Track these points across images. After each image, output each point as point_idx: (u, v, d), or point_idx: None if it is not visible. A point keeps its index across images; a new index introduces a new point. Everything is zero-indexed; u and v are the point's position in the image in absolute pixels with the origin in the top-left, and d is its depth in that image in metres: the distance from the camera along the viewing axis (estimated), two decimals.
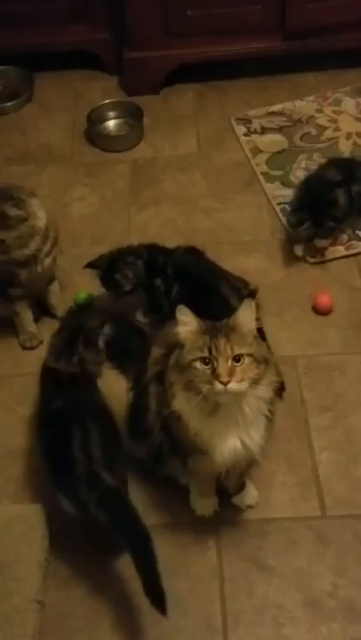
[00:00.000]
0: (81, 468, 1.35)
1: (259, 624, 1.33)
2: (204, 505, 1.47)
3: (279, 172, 2.15)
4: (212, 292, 1.67)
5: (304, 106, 2.35)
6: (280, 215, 2.03)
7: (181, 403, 1.24)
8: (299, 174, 2.13)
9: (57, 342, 1.58)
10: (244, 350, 1.18)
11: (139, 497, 1.50)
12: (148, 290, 1.75)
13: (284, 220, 2.02)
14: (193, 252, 1.76)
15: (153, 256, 1.75)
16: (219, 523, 1.46)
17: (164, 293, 1.72)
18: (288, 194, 2.08)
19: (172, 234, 1.97)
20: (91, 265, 1.78)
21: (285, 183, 2.12)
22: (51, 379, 1.53)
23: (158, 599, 1.25)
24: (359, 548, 1.41)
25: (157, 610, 1.24)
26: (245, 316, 1.21)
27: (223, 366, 1.16)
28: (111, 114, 2.41)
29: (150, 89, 2.45)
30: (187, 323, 1.22)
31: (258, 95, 2.41)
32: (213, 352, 1.17)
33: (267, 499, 1.49)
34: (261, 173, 2.16)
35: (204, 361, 1.18)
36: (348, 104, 2.34)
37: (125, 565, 1.41)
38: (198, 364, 1.18)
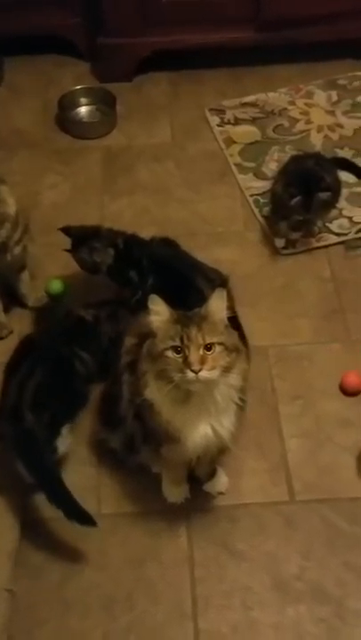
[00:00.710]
0: (8, 401, 1.46)
1: (228, 608, 1.36)
2: (176, 492, 1.49)
3: (252, 164, 2.17)
4: (188, 284, 1.68)
5: (277, 97, 2.36)
6: (253, 206, 2.05)
7: (153, 391, 1.25)
8: (272, 166, 2.15)
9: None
10: (215, 339, 1.19)
11: (111, 486, 1.52)
12: (121, 282, 1.75)
13: (256, 211, 2.04)
14: (168, 244, 1.76)
15: (129, 247, 1.75)
16: (190, 510, 1.48)
17: (138, 285, 1.73)
18: (261, 185, 2.10)
19: (147, 223, 1.97)
20: (65, 230, 1.76)
21: (258, 175, 2.13)
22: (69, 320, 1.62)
23: (82, 516, 1.37)
24: (326, 531, 1.44)
25: (89, 524, 1.36)
26: (217, 305, 1.22)
27: (195, 355, 1.18)
28: (83, 100, 2.39)
29: (123, 76, 2.44)
30: (159, 312, 1.23)
31: (232, 86, 2.42)
32: (185, 341, 1.19)
33: (237, 485, 1.52)
34: (235, 164, 2.17)
35: (176, 350, 1.19)
36: (320, 97, 2.36)
37: (97, 554, 1.43)
38: (170, 353, 1.20)
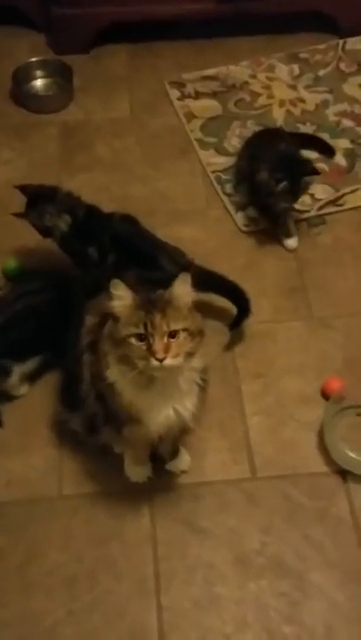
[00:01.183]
0: None
1: (191, 584, 1.38)
2: (138, 472, 1.49)
3: (213, 139, 2.14)
4: (151, 263, 1.66)
5: (238, 71, 2.33)
6: (215, 183, 2.03)
7: (115, 374, 1.24)
8: (233, 142, 2.13)
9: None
10: (179, 325, 1.18)
11: (73, 467, 1.52)
12: (78, 257, 1.73)
13: (218, 188, 2.02)
14: (130, 220, 1.74)
15: (89, 220, 1.71)
16: (153, 489, 1.49)
17: (98, 262, 1.70)
18: (222, 161, 2.08)
19: (106, 201, 1.92)
20: (21, 188, 1.72)
21: (220, 151, 2.11)
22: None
23: None
24: (286, 506, 1.47)
25: None
26: (181, 290, 1.20)
27: (159, 343, 1.16)
28: (38, 73, 2.33)
29: (80, 48, 2.37)
30: (121, 297, 1.21)
31: (192, 59, 2.38)
32: (149, 329, 1.17)
33: (200, 464, 1.53)
34: (196, 140, 2.14)
35: (140, 337, 1.18)
36: (282, 70, 2.34)
37: (59, 535, 1.43)
38: (133, 340, 1.18)
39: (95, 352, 1.32)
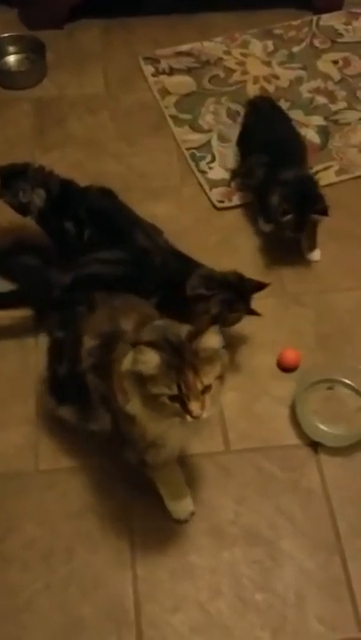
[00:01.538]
0: None
1: (166, 554, 1.40)
2: (181, 507, 1.43)
3: (188, 116, 2.14)
4: (127, 239, 1.67)
5: (212, 47, 2.32)
6: (189, 160, 2.03)
7: (137, 408, 1.18)
8: (208, 119, 2.13)
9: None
10: (212, 378, 1.14)
11: (49, 442, 1.53)
12: (55, 234, 1.72)
13: (193, 165, 2.02)
14: (107, 194, 1.73)
15: (65, 194, 1.70)
16: (127, 463, 1.49)
17: (75, 237, 1.70)
18: (197, 138, 2.08)
19: (80, 178, 1.91)
20: None
21: (194, 127, 2.11)
22: None
23: None
24: (259, 478, 1.50)
25: None
26: (212, 342, 1.15)
27: (195, 404, 1.13)
28: (11, 48, 2.30)
29: (53, 23, 2.34)
30: (148, 361, 1.13)
31: (166, 34, 2.36)
32: (183, 390, 1.12)
33: None
34: (170, 116, 2.14)
35: (173, 398, 1.14)
36: (256, 47, 2.33)
37: (35, 509, 1.45)
38: (166, 399, 1.13)
39: (102, 377, 1.29)
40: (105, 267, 1.60)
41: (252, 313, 1.61)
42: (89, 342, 1.34)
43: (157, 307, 1.49)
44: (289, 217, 1.73)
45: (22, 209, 1.70)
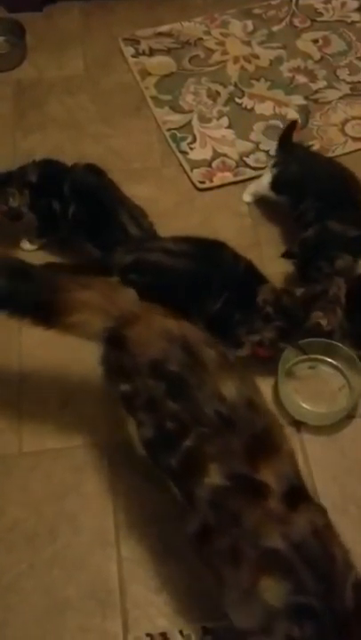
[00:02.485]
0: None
1: (150, 534, 1.41)
2: None
3: (168, 97, 2.12)
4: (111, 217, 1.66)
5: (192, 27, 2.30)
6: (170, 141, 2.02)
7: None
8: (188, 99, 2.11)
9: None
10: None
11: (32, 425, 1.53)
12: (42, 212, 1.71)
13: (174, 146, 2.01)
14: (94, 171, 1.72)
15: (45, 177, 1.69)
16: (112, 442, 1.50)
17: (60, 214, 1.69)
18: (177, 119, 2.06)
19: (61, 160, 1.91)
20: None
21: (175, 108, 2.09)
22: None
23: None
24: None
25: None
26: None
27: None
28: None
29: (32, 5, 2.31)
30: None
31: (146, 15, 2.34)
32: None
33: None
34: (151, 97, 2.12)
35: None
36: (236, 27, 2.31)
37: (19, 491, 1.45)
38: None
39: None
40: (168, 257, 1.58)
41: (299, 348, 1.57)
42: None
43: (221, 309, 1.51)
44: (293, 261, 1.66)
45: (14, 214, 1.70)
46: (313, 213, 1.68)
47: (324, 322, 1.54)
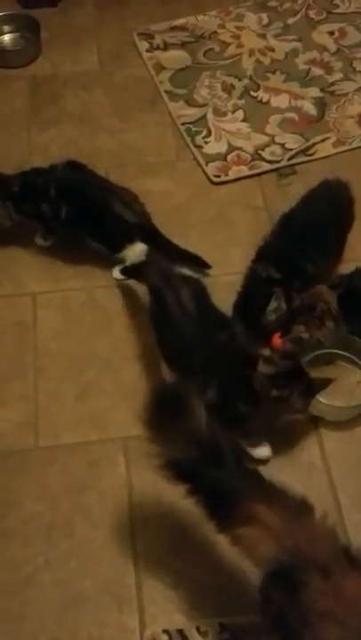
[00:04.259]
0: None
1: (165, 529, 1.40)
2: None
3: (183, 91, 2.11)
4: (104, 209, 1.65)
5: (207, 21, 2.29)
6: (185, 135, 2.01)
7: None
8: (203, 93, 2.10)
9: None
10: None
11: (48, 419, 1.53)
12: (35, 217, 1.72)
13: (188, 140, 2.00)
14: (75, 167, 1.72)
15: (28, 183, 1.70)
16: (128, 437, 1.50)
17: (52, 217, 1.69)
18: (192, 113, 2.05)
19: (75, 155, 1.90)
20: None
21: (189, 102, 2.08)
22: None
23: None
24: None
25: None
26: None
27: None
28: (6, 27, 2.28)
29: (47, 1, 2.32)
30: None
31: (160, 9, 2.33)
32: None
33: None
34: (165, 91, 2.11)
35: None
36: (251, 19, 2.29)
37: (35, 485, 1.45)
38: None
39: None
40: None
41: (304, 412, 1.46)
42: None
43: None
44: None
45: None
46: None
47: (305, 336, 1.52)
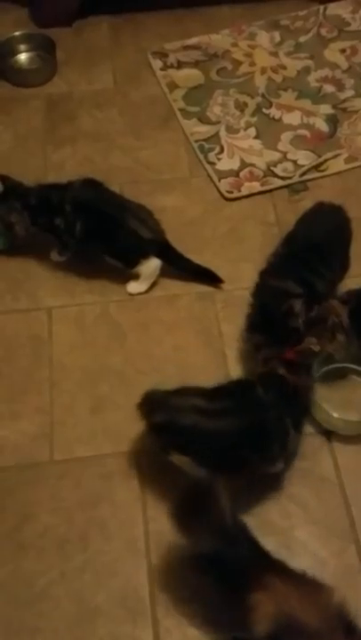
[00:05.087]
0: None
1: (180, 543, 1.39)
2: None
3: (196, 108, 2.14)
4: (119, 225, 1.68)
5: (219, 39, 2.32)
6: (198, 152, 2.04)
7: None
8: (216, 110, 2.13)
9: None
10: None
11: (63, 432, 1.55)
12: (50, 231, 1.74)
13: (201, 157, 2.03)
14: (91, 185, 1.74)
15: (45, 197, 1.73)
16: (142, 451, 1.51)
17: (66, 232, 1.72)
18: (205, 130, 2.08)
19: (90, 172, 1.93)
20: (3, 178, 1.74)
21: (203, 119, 2.11)
22: None
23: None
24: None
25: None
26: None
27: None
28: (22, 47, 2.32)
29: (63, 21, 2.36)
30: None
31: (174, 28, 2.37)
32: None
33: None
34: (179, 109, 2.14)
35: None
36: (263, 38, 2.33)
37: (50, 498, 1.46)
38: None
39: None
40: (206, 419, 1.37)
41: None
42: None
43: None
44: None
45: (7, 226, 1.74)
46: None
47: (316, 348, 1.53)
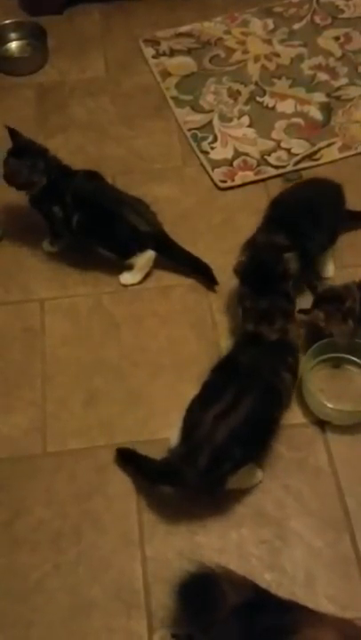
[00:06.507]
0: (201, 433, 1.36)
1: (173, 534, 1.40)
2: None
3: (189, 97, 2.12)
4: (117, 219, 1.66)
5: (212, 27, 2.30)
6: (191, 141, 2.02)
7: None
8: (209, 99, 2.11)
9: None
10: None
11: (56, 425, 1.54)
12: (46, 216, 1.73)
13: (195, 145, 2.01)
14: (92, 177, 1.73)
15: (57, 178, 1.70)
16: (135, 443, 1.50)
17: (62, 222, 1.70)
18: (198, 119, 2.06)
19: (83, 162, 1.91)
20: (13, 132, 1.73)
21: (196, 108, 2.10)
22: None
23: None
24: (267, 457, 1.48)
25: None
26: None
27: None
28: (13, 35, 2.30)
29: (53, 8, 2.34)
30: None
31: (166, 16, 2.35)
32: None
33: (180, 419, 1.54)
34: (171, 98, 2.12)
35: None
36: (256, 25, 2.31)
37: (43, 492, 1.45)
38: None
39: None
40: None
41: None
42: None
43: None
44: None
45: (24, 184, 1.71)
46: None
47: (322, 324, 1.50)
